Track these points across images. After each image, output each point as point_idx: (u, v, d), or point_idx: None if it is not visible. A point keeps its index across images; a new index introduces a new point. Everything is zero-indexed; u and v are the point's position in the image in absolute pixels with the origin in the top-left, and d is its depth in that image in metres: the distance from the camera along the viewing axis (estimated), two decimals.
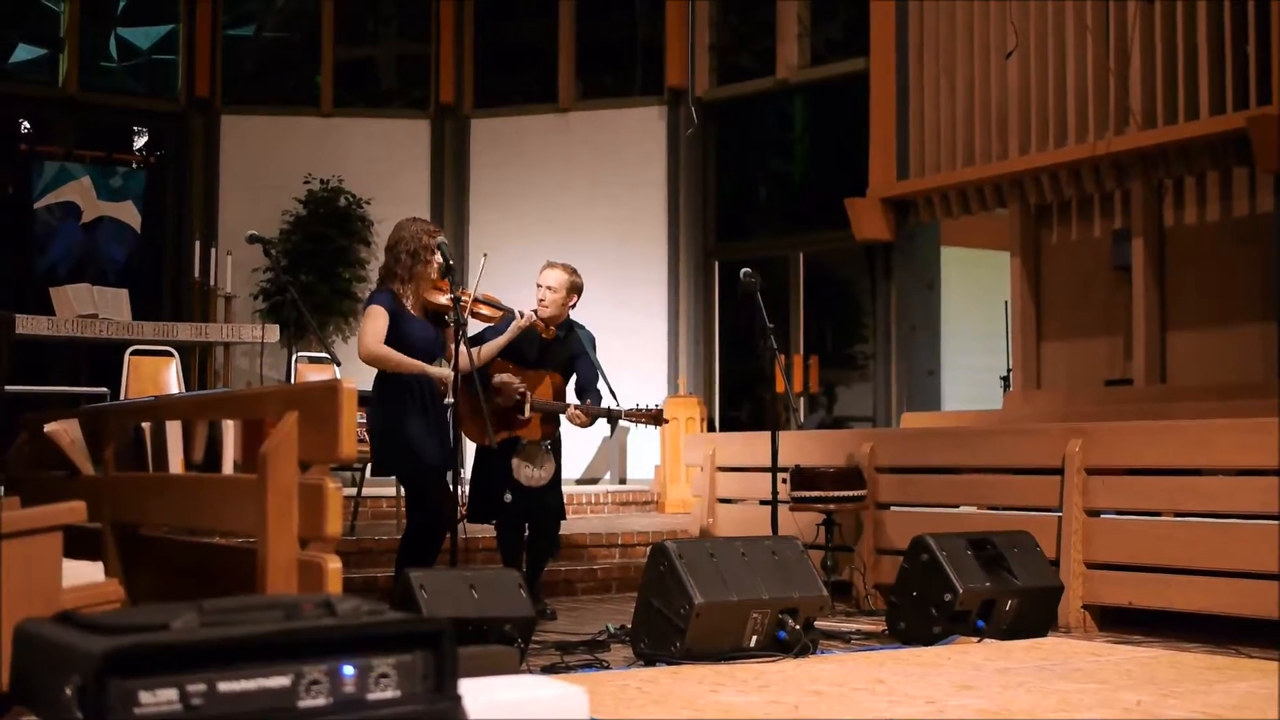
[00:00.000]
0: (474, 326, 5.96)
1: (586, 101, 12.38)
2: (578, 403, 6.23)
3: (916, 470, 6.86)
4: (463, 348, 5.51)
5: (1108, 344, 9.29)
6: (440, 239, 5.67)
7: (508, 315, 6.02)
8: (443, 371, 5.60)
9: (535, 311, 6.15)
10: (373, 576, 6.72)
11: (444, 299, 5.60)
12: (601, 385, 6.26)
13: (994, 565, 5.37)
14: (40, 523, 3.21)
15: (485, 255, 6.20)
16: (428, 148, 12.43)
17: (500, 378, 6.19)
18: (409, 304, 5.65)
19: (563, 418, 6.31)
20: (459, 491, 5.67)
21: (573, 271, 6.36)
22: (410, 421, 5.56)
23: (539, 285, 6.33)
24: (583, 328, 6.45)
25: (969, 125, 9.66)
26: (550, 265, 6.39)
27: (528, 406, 6.17)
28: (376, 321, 5.58)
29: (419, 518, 5.72)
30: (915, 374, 10.50)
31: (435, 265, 5.65)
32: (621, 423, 6.26)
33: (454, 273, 5.59)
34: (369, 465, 6.00)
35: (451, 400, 5.55)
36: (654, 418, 6.26)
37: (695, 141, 11.82)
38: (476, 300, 5.89)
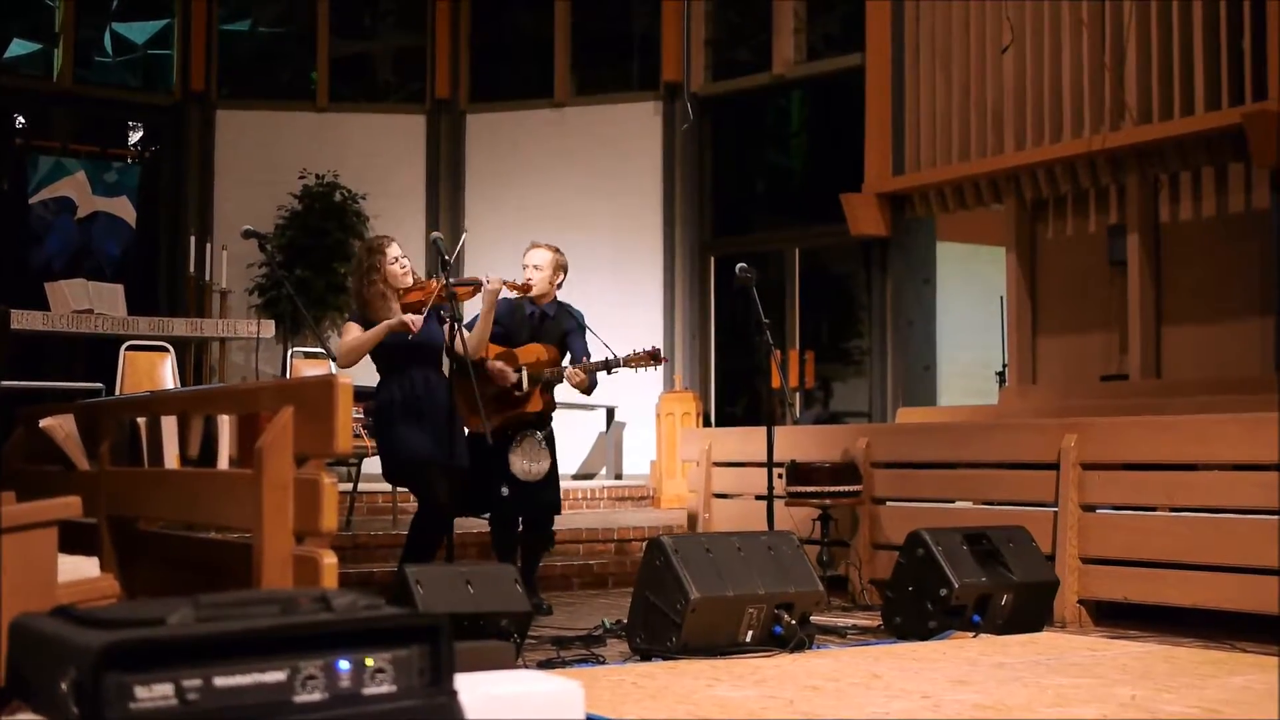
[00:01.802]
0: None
1: (582, 96, 12.38)
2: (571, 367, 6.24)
3: (912, 465, 6.86)
4: (456, 338, 5.54)
5: (1103, 339, 9.29)
6: (433, 236, 5.68)
7: (476, 284, 5.99)
8: (404, 317, 5.60)
9: (502, 282, 6.07)
10: (368, 571, 6.72)
11: (416, 296, 5.64)
12: (597, 346, 6.27)
13: (990, 560, 5.38)
14: (35, 517, 3.21)
15: (465, 231, 6.16)
16: (423, 142, 12.42)
17: (491, 364, 6.18)
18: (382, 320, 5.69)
19: (562, 384, 6.31)
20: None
21: (557, 250, 6.40)
22: (397, 420, 5.63)
23: (525, 265, 6.36)
24: (571, 306, 6.47)
25: (965, 120, 9.67)
26: (535, 245, 6.43)
27: (524, 380, 6.18)
28: (348, 332, 5.72)
29: (420, 507, 5.81)
30: (911, 369, 10.50)
31: (386, 275, 5.67)
32: (621, 370, 6.25)
33: (450, 267, 5.59)
34: (364, 460, 6.04)
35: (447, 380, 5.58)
36: (651, 357, 6.24)
37: (691, 137, 11.81)
38: (445, 285, 5.89)
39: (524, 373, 6.19)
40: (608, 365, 6.19)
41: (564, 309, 6.44)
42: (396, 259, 5.71)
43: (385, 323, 5.61)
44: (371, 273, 5.68)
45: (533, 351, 6.28)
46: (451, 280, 5.89)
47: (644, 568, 4.96)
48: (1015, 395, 9.25)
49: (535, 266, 6.34)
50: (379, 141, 12.31)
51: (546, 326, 6.37)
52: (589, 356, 6.33)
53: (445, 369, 5.84)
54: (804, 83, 11.58)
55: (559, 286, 6.43)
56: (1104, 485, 5.90)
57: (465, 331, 5.68)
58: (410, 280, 5.75)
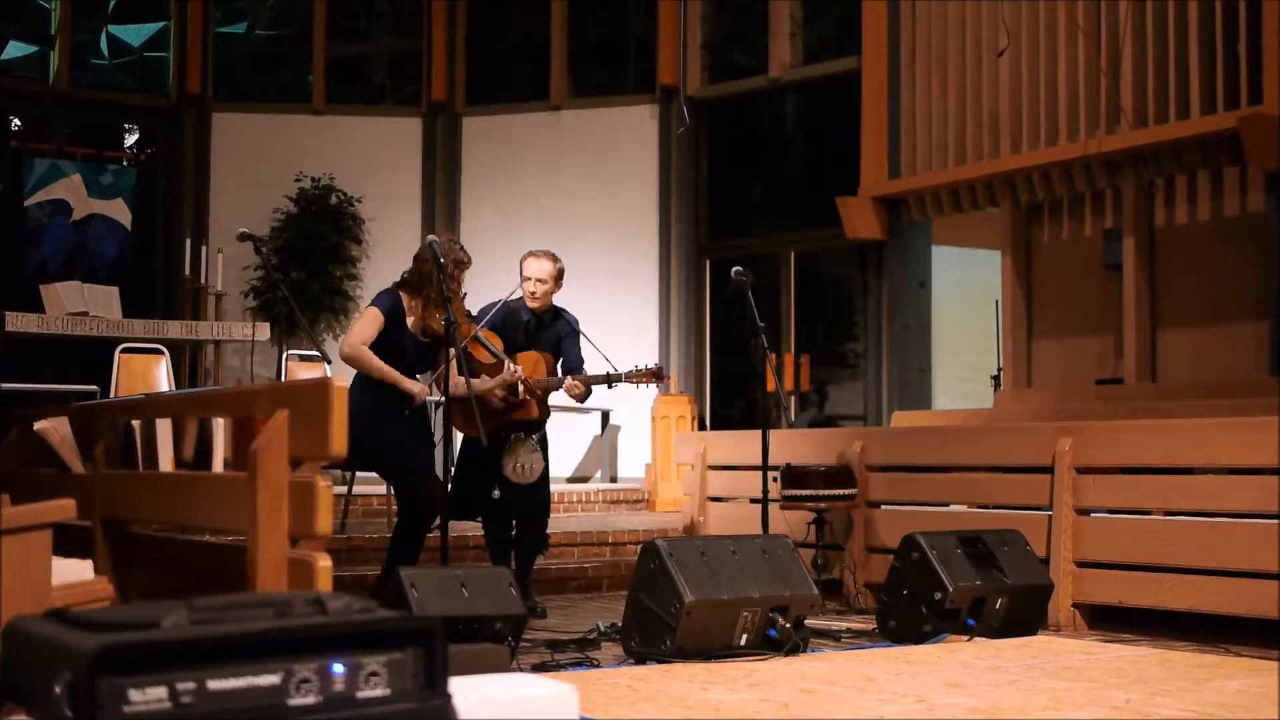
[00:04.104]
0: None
1: (578, 99, 12.38)
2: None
3: (907, 469, 6.86)
4: (454, 369, 5.53)
5: (1099, 343, 9.30)
6: (431, 238, 5.65)
7: (497, 363, 6.06)
8: (416, 386, 5.64)
9: (521, 376, 6.10)
10: (363, 574, 6.71)
11: (441, 325, 5.62)
12: (593, 356, 6.25)
13: (984, 563, 5.38)
14: (30, 520, 3.21)
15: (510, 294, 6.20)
16: (419, 145, 12.42)
17: (479, 384, 6.17)
18: (409, 317, 5.69)
19: (558, 394, 6.31)
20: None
21: (555, 258, 6.39)
22: (379, 414, 5.61)
23: (526, 277, 6.33)
24: (566, 312, 6.47)
25: (960, 124, 9.68)
26: (534, 255, 6.39)
27: (521, 388, 6.17)
28: (367, 324, 5.67)
29: (401, 507, 5.79)
30: (906, 372, 10.51)
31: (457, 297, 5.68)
32: (622, 385, 6.23)
33: (443, 270, 5.58)
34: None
35: (428, 393, 5.58)
36: (654, 375, 6.21)
37: (687, 140, 11.82)
38: (475, 340, 5.92)
39: (520, 376, 6.16)
40: (609, 379, 6.18)
41: (560, 315, 6.44)
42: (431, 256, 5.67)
43: (401, 380, 5.66)
44: (454, 284, 5.63)
45: (531, 359, 6.28)
46: (482, 338, 5.95)
47: (638, 571, 4.96)
48: (1010, 399, 9.26)
49: (539, 280, 6.32)
50: (375, 144, 12.30)
51: (542, 333, 6.37)
52: (584, 363, 6.32)
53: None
54: (800, 86, 11.59)
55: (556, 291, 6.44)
56: (1099, 489, 5.90)
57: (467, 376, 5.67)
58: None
